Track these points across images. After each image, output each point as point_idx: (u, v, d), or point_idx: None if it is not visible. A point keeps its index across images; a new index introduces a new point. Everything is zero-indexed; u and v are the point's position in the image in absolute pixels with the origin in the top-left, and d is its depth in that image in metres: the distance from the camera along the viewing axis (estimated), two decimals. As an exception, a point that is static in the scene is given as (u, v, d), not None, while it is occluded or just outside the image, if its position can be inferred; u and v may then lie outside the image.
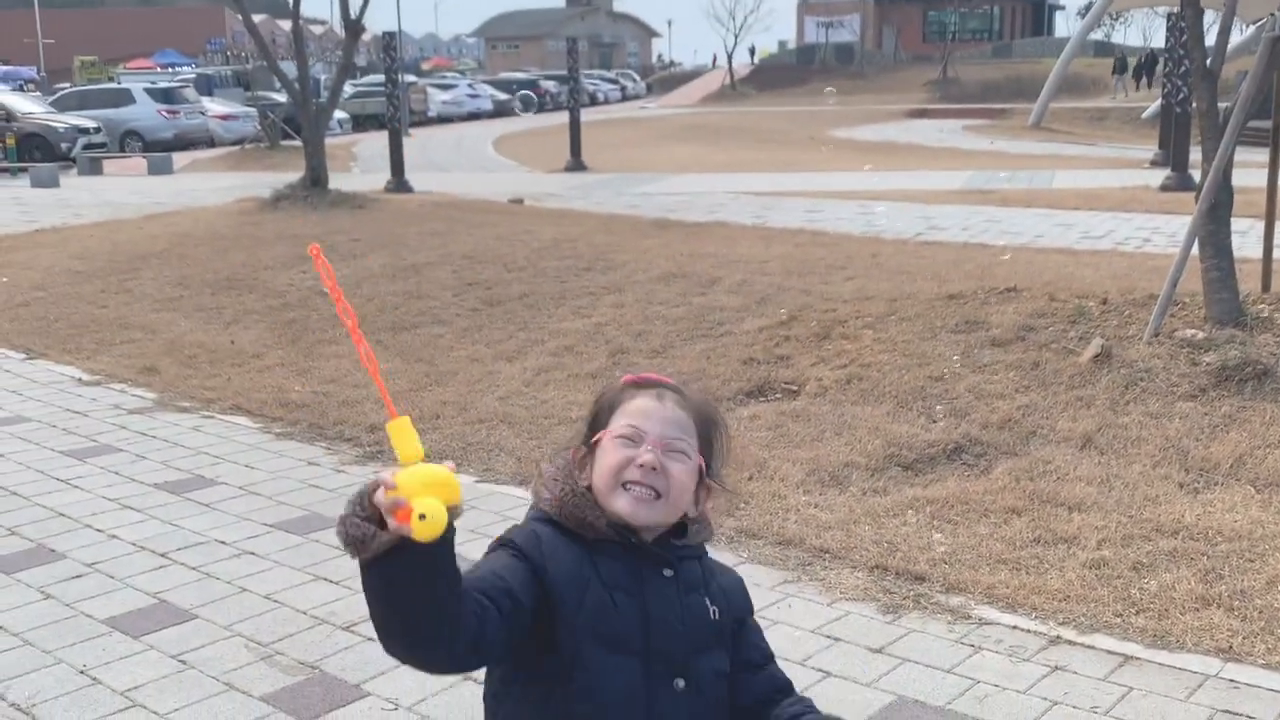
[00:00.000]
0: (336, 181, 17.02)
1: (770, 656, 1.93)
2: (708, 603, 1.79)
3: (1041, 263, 10.75)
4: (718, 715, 1.81)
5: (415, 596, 1.54)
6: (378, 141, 26.46)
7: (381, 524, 1.50)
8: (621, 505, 1.71)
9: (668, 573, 1.75)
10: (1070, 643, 3.97)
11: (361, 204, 15.53)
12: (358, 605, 4.27)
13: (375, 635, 1.61)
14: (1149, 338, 6.79)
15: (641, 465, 1.70)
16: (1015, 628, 4.08)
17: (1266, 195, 8.04)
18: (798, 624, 4.12)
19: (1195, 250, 7.21)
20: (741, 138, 34.65)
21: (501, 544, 1.75)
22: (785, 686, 1.92)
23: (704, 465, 1.80)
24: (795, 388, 7.09)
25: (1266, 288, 8.01)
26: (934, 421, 6.23)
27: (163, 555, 4.81)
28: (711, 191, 18.64)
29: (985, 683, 3.70)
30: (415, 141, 31.17)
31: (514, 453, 6.00)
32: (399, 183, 18.85)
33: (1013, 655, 3.88)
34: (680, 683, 1.74)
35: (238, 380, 7.64)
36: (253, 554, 4.81)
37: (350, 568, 4.67)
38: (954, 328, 7.58)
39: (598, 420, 1.81)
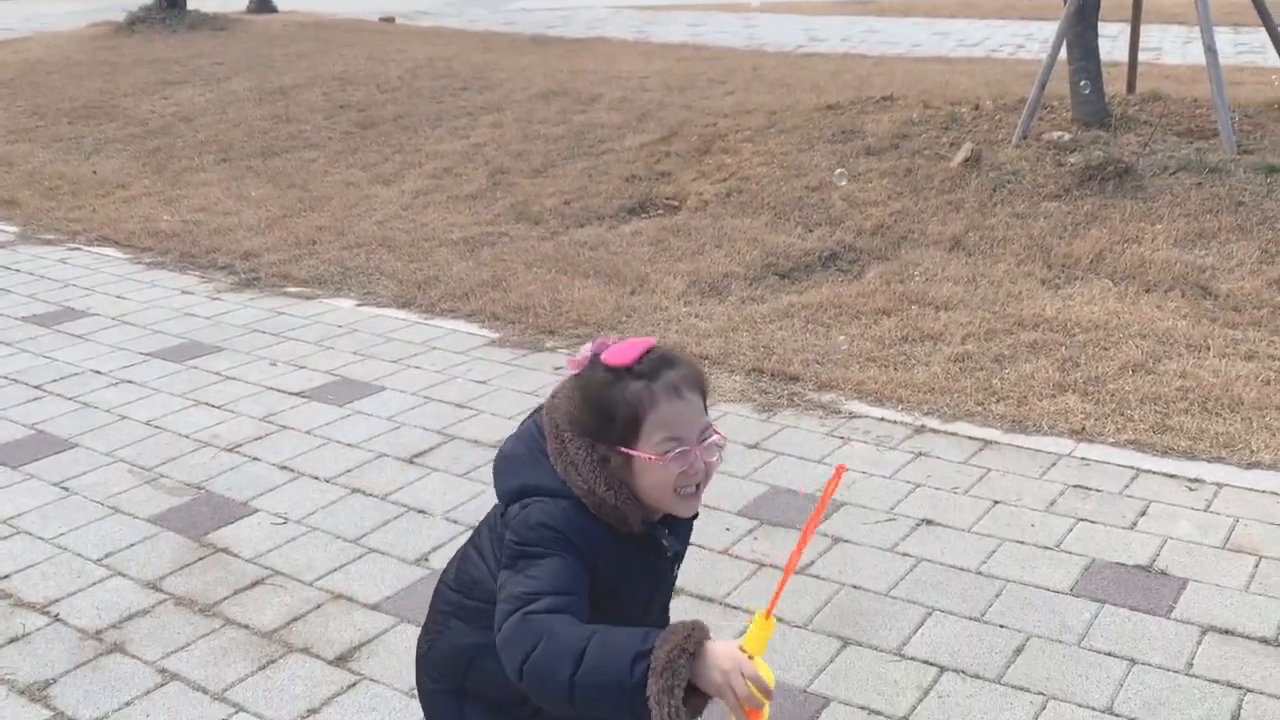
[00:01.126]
0: (195, 2, 16.13)
1: None
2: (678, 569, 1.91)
3: (919, 71, 10.80)
4: None
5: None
6: (238, -41, 24.98)
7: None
8: (678, 509, 1.75)
9: (671, 554, 1.83)
10: (934, 431, 4.17)
11: (223, 25, 14.80)
12: (240, 427, 4.29)
13: (537, 680, 1.57)
14: (1017, 141, 6.94)
15: (695, 474, 1.72)
16: (883, 419, 4.27)
17: (1133, -3, 8.15)
18: (678, 426, 4.25)
19: (1065, 54, 7.33)
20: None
21: (560, 538, 1.70)
22: None
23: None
24: (676, 203, 7.12)
25: (1132, 89, 8.20)
26: (810, 230, 6.34)
27: (37, 387, 4.72)
28: (591, 6, 18.17)
29: (853, 470, 3.89)
30: (278, -41, 29.56)
31: (394, 275, 5.95)
32: (262, 2, 17.95)
33: (879, 444, 4.08)
34: None
35: (103, 211, 7.38)
36: (130, 382, 4.75)
37: (233, 392, 4.62)
38: (831, 138, 7.64)
39: (613, 422, 1.70)
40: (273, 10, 17.65)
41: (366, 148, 8.61)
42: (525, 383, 4.64)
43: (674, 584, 1.93)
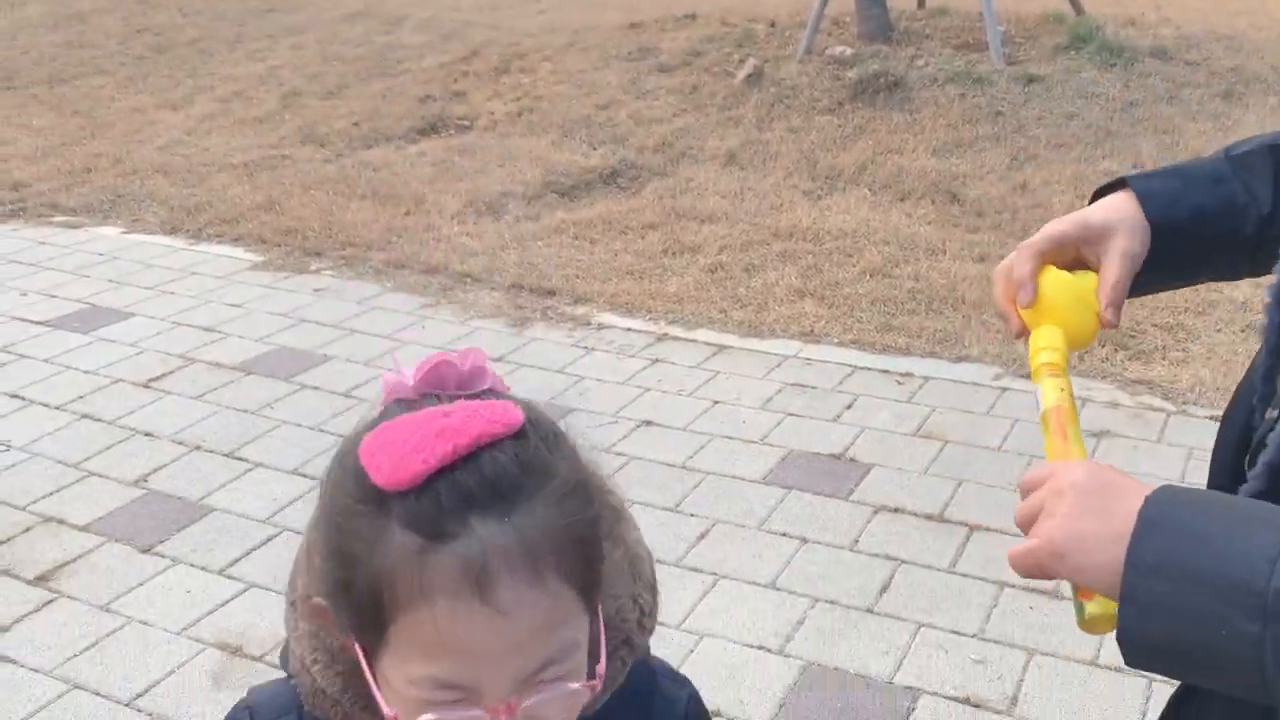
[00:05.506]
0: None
1: None
2: None
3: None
4: None
5: None
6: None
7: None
8: None
9: None
10: (675, 338, 4.32)
11: (26, -53, 14.06)
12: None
13: None
14: (800, 56, 7.08)
15: None
16: (629, 329, 4.40)
17: (919, -87, 8.32)
18: (428, 342, 4.31)
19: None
20: None
21: None
22: None
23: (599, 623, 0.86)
24: (468, 123, 7.10)
25: (922, 4, 8.42)
26: (594, 149, 6.41)
27: None
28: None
29: (590, 378, 4.01)
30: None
31: (166, 202, 5.85)
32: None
33: (620, 353, 4.20)
34: None
35: None
36: None
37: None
38: (627, 56, 7.69)
39: (348, 591, 0.81)
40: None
41: (158, 73, 8.36)
42: (281, 305, 4.64)
43: None
